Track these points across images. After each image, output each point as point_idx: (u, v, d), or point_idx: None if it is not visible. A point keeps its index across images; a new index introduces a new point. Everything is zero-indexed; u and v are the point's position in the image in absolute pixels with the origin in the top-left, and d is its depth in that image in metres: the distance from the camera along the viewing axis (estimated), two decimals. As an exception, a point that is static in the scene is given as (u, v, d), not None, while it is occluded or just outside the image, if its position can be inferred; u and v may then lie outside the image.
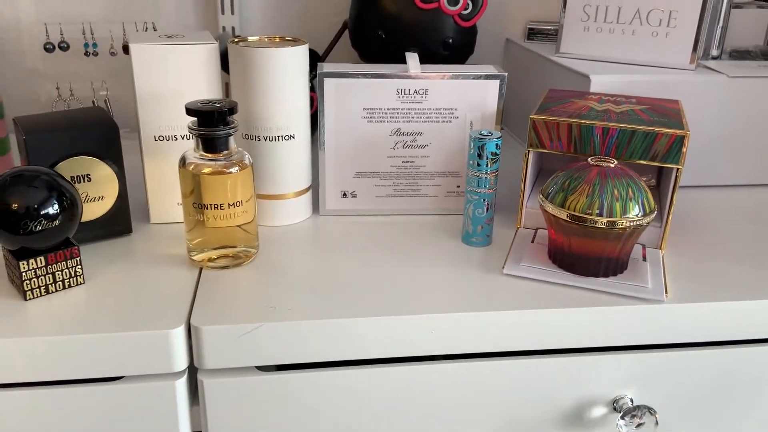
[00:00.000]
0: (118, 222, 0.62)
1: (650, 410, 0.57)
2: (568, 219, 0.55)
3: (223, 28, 0.93)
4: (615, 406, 0.58)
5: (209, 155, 0.55)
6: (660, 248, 0.63)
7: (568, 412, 0.58)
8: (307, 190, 0.67)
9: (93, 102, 0.93)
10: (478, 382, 0.56)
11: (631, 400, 0.58)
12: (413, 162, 0.68)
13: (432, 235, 0.66)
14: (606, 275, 0.57)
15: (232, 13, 0.93)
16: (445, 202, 0.70)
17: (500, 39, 1.01)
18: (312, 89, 0.75)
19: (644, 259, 0.60)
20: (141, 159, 0.64)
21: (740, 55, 0.84)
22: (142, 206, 0.66)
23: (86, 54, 0.91)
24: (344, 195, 0.69)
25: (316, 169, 0.68)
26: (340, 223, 0.68)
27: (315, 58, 0.87)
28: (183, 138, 0.63)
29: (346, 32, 0.88)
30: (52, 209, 0.51)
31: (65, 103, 0.92)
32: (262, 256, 0.60)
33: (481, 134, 0.60)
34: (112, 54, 0.91)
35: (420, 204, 0.70)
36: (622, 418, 0.57)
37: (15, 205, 0.50)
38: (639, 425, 0.57)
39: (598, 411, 0.58)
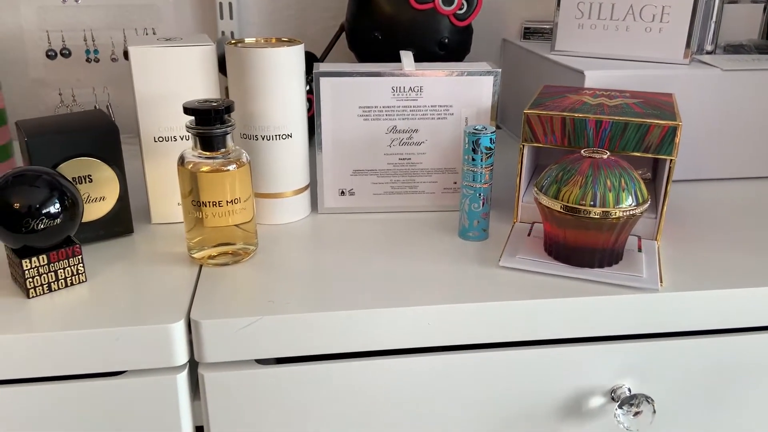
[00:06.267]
0: (120, 222, 0.63)
1: (648, 399, 0.57)
2: (562, 210, 0.55)
3: (222, 32, 0.94)
4: (612, 395, 0.58)
5: (207, 153, 0.56)
6: (655, 239, 0.63)
7: (565, 402, 0.59)
8: (305, 188, 0.68)
9: (95, 107, 0.94)
10: (475, 373, 0.56)
11: (629, 390, 0.58)
12: (410, 159, 0.69)
13: (429, 231, 0.66)
14: (601, 266, 0.57)
15: (231, 17, 0.94)
16: (442, 198, 0.70)
17: (497, 39, 1.02)
18: (310, 92, 0.76)
19: (639, 250, 0.61)
20: (141, 160, 0.65)
21: (734, 49, 0.84)
22: (143, 207, 0.67)
23: (88, 60, 0.92)
24: (342, 193, 0.70)
25: (314, 167, 0.69)
26: (339, 221, 0.68)
27: (313, 61, 0.88)
28: (182, 138, 0.64)
29: (344, 35, 0.89)
30: (54, 208, 0.52)
31: (68, 109, 0.93)
32: (261, 253, 0.61)
33: (476, 129, 0.61)
34: (113, 60, 0.92)
35: (417, 201, 0.70)
36: (620, 407, 0.57)
37: (17, 204, 0.50)
38: (636, 414, 0.57)
39: (596, 401, 0.59)
